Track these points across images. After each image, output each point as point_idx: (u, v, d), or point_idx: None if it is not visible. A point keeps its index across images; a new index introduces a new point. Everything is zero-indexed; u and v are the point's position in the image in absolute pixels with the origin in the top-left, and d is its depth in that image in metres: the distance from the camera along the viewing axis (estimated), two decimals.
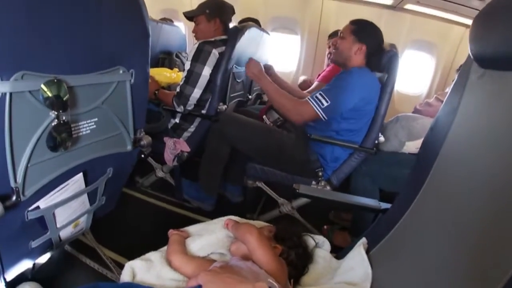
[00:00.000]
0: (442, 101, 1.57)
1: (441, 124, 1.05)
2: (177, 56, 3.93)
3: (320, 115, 1.98)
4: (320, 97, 1.98)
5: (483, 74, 0.92)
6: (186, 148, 2.31)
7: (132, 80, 1.21)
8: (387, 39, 2.15)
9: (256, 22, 3.49)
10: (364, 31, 2.10)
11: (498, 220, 0.71)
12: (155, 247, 1.18)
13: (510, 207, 0.69)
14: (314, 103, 1.99)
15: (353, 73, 1.99)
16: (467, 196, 0.84)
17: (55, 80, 0.88)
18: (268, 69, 2.67)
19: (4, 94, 0.79)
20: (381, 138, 2.16)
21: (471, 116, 0.95)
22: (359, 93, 1.97)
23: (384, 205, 1.27)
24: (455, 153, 0.97)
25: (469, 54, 0.96)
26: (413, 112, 2.56)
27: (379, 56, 2.10)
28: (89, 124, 1.09)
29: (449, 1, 3.15)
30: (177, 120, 2.48)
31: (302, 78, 3.92)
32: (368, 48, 2.07)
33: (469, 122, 0.95)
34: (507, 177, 0.73)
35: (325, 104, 1.96)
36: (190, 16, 2.52)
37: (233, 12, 2.58)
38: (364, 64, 2.10)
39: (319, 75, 3.51)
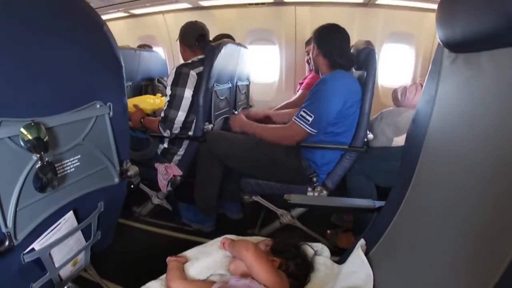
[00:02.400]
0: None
1: (422, 115, 1.05)
2: (159, 81, 3.97)
3: (309, 131, 2.03)
4: (304, 114, 2.03)
5: (455, 59, 0.92)
6: (178, 172, 2.31)
7: (111, 113, 1.21)
8: (364, 36, 2.19)
9: (230, 38, 3.53)
10: (319, 35, 2.19)
11: (488, 205, 0.71)
12: (159, 274, 1.18)
13: (499, 189, 0.68)
14: (300, 121, 2.04)
15: (327, 82, 2.03)
16: (455, 184, 0.84)
17: (33, 123, 0.88)
18: (248, 113, 2.86)
19: None
20: (370, 136, 2.16)
21: (449, 102, 0.95)
22: (339, 99, 2.00)
23: (379, 203, 1.26)
24: (438, 141, 0.97)
25: (439, 41, 0.97)
26: (394, 104, 2.59)
27: (350, 55, 2.14)
28: (73, 162, 1.09)
29: None
30: (165, 145, 2.49)
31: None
32: (322, 49, 2.15)
33: (448, 108, 0.95)
34: (492, 159, 0.72)
35: (310, 119, 2.01)
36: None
37: (200, 32, 2.58)
38: (329, 66, 2.15)
39: (301, 83, 3.52)
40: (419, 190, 1.02)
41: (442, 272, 0.79)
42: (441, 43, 0.96)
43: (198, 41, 2.52)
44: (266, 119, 2.82)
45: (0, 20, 0.81)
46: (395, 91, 2.60)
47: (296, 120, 2.06)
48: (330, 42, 2.13)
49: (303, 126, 2.03)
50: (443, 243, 0.82)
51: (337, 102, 2.00)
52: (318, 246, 1.28)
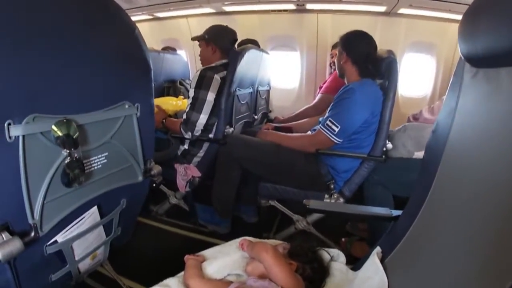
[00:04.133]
0: None
1: (442, 127, 1.05)
2: (181, 83, 4.00)
3: (335, 141, 2.05)
4: (330, 123, 2.04)
5: (476, 73, 0.92)
6: (197, 173, 2.33)
7: (138, 113, 1.24)
8: (385, 45, 2.17)
9: (254, 43, 3.55)
10: (347, 41, 2.18)
11: (506, 217, 0.70)
12: (173, 273, 1.19)
13: None
14: (327, 131, 2.05)
15: (355, 91, 2.02)
16: (473, 197, 0.84)
17: (65, 120, 0.91)
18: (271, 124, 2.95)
19: (17, 137, 0.82)
20: (389, 145, 2.15)
21: (470, 116, 0.95)
22: (367, 109, 2.01)
23: (396, 213, 1.26)
24: (457, 154, 0.97)
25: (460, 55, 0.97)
26: (419, 120, 2.57)
27: (377, 63, 2.12)
28: (100, 159, 1.12)
29: (441, 0, 3.17)
30: (186, 146, 2.51)
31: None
32: (351, 56, 2.14)
33: (468, 122, 0.95)
34: (511, 172, 0.73)
35: (336, 129, 2.02)
36: (195, 40, 2.64)
37: (234, 37, 2.63)
38: (358, 74, 2.14)
39: (321, 87, 3.53)
40: (437, 200, 1.02)
41: (457, 283, 0.79)
42: (462, 57, 0.96)
43: (231, 45, 2.56)
44: (286, 129, 2.83)
45: (38, 16, 0.85)
46: (417, 114, 2.61)
47: (323, 130, 2.07)
48: (360, 49, 2.13)
49: (329, 136, 2.04)
50: (460, 255, 0.82)
51: (364, 113, 2.01)
52: (334, 252, 1.28)
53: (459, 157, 0.96)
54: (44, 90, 0.89)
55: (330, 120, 2.05)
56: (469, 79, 0.96)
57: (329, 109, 2.16)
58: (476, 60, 0.91)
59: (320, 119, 2.31)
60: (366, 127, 2.06)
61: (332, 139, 2.04)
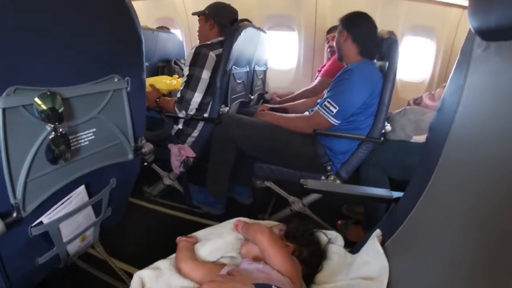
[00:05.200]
0: None
1: (448, 104, 1.00)
2: (175, 63, 3.96)
3: (333, 122, 2.02)
4: (328, 104, 2.02)
5: (487, 47, 0.87)
6: (191, 154, 2.30)
7: (129, 88, 1.20)
8: (385, 27, 2.14)
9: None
10: (349, 20, 2.15)
11: None
12: (166, 255, 1.16)
13: None
14: (324, 112, 2.03)
15: (354, 72, 1.99)
16: (481, 179, 0.80)
17: (48, 93, 0.86)
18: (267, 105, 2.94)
19: None
20: (388, 127, 2.13)
21: (479, 92, 0.90)
22: (366, 90, 1.98)
23: (396, 194, 1.23)
24: (464, 133, 0.93)
25: (470, 29, 0.92)
26: (419, 104, 2.54)
27: (377, 44, 2.09)
28: (88, 135, 1.08)
29: None
30: (180, 126, 2.47)
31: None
32: (351, 33, 2.10)
33: (477, 99, 0.91)
34: None
35: (334, 110, 2.00)
36: (195, 15, 2.61)
37: (234, 16, 2.59)
38: (358, 53, 2.11)
39: (319, 70, 3.49)
40: (441, 182, 0.98)
41: (458, 270, 0.76)
42: (473, 30, 0.91)
43: (230, 24, 2.50)
44: (282, 110, 2.79)
45: None
46: (418, 99, 2.58)
47: (320, 111, 2.05)
48: (361, 27, 2.10)
49: (326, 117, 2.02)
50: (462, 241, 0.79)
51: (363, 94, 1.98)
52: (332, 234, 1.25)
53: (466, 137, 0.92)
54: (26, 61, 0.84)
55: (328, 101, 2.02)
56: (479, 54, 0.91)
57: (327, 90, 2.13)
58: (488, 33, 0.86)
59: (318, 100, 2.26)
60: (364, 109, 2.03)
61: (330, 120, 2.01)
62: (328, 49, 3.54)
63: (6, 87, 0.78)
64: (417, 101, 2.59)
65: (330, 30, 3.53)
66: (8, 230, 0.86)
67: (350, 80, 1.99)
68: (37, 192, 0.95)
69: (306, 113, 2.32)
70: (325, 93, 2.16)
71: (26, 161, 0.88)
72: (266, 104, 3.07)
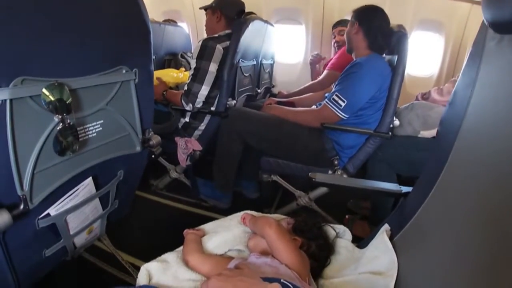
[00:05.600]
0: None
1: (460, 98, 0.98)
2: (182, 56, 3.94)
3: (341, 116, 2.00)
4: (336, 98, 2.00)
5: (501, 40, 0.86)
6: (198, 147, 2.29)
7: (136, 80, 1.19)
8: (394, 21, 2.12)
9: None
10: (362, 13, 2.13)
11: None
12: (173, 248, 1.16)
13: None
14: (333, 105, 2.02)
15: (363, 66, 1.98)
16: (493, 175, 0.78)
17: (56, 84, 0.86)
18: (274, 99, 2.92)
19: (4, 101, 0.77)
20: (396, 122, 2.13)
21: (492, 86, 0.88)
22: (374, 84, 1.97)
23: (406, 189, 1.21)
24: (476, 128, 0.91)
25: (483, 21, 0.89)
26: (427, 99, 2.52)
27: (387, 38, 2.06)
28: (95, 127, 1.07)
29: None
30: (187, 119, 2.47)
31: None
32: (363, 26, 2.08)
33: (490, 93, 0.89)
34: None
35: (343, 104, 1.98)
36: (203, 9, 2.60)
37: (241, 8, 2.57)
38: (367, 47, 2.10)
39: (326, 64, 3.46)
40: (451, 178, 0.96)
41: (467, 266, 0.75)
42: (486, 22, 0.89)
43: (237, 16, 2.49)
44: (289, 104, 2.78)
45: None
46: (426, 94, 2.56)
47: (329, 104, 2.03)
48: (374, 21, 2.07)
49: (335, 111, 2.00)
50: (472, 238, 0.78)
51: (371, 88, 1.96)
52: (340, 228, 1.24)
53: (478, 131, 0.90)
54: (34, 52, 0.83)
55: (336, 95, 2.00)
56: (492, 47, 0.89)
57: (335, 83, 2.12)
58: (501, 25, 0.84)
59: (326, 94, 2.24)
60: (373, 103, 2.01)
61: (338, 114, 1.99)
62: (335, 44, 3.51)
63: (13, 77, 0.78)
64: (425, 96, 2.56)
65: (336, 25, 3.50)
66: (15, 222, 0.86)
67: (358, 73, 1.97)
68: (44, 183, 0.94)
69: (314, 107, 2.31)
70: (333, 86, 2.14)
71: (34, 153, 0.88)
72: (273, 98, 3.06)
